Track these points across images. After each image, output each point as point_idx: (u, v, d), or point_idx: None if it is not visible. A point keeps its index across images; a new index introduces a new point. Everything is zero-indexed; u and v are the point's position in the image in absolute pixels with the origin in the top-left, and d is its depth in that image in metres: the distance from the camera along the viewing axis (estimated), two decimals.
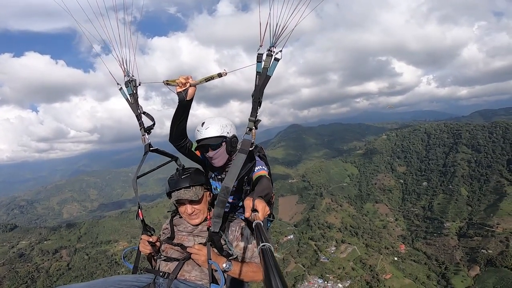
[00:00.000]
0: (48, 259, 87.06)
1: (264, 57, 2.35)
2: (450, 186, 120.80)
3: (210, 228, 2.65)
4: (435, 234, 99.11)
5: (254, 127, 2.51)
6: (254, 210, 2.21)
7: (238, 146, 2.93)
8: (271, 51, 2.34)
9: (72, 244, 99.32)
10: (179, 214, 3.11)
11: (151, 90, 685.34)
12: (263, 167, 3.25)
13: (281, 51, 2.34)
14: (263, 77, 2.38)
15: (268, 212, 2.33)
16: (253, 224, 1.92)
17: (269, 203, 2.89)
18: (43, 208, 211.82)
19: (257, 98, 2.43)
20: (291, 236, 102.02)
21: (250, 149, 2.51)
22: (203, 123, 3.22)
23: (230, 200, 3.45)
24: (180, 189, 2.88)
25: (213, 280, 2.66)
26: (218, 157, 3.20)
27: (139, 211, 3.03)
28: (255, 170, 3.19)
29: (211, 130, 3.15)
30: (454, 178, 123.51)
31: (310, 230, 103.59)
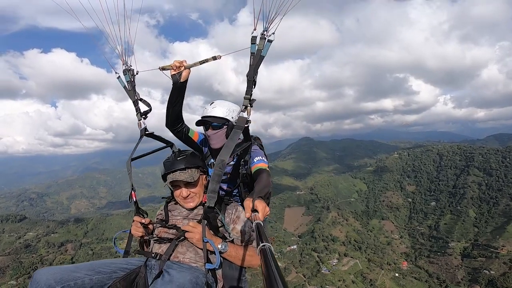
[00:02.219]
0: (53, 252, 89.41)
1: (258, 40, 2.45)
2: (459, 207, 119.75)
3: (205, 203, 2.54)
4: (438, 253, 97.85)
5: (249, 105, 2.54)
6: (254, 210, 2.19)
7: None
8: (264, 35, 2.44)
9: (78, 238, 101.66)
10: (174, 200, 3.04)
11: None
12: (263, 158, 3.18)
13: (273, 33, 2.43)
14: (257, 58, 2.46)
15: (268, 213, 2.31)
16: (253, 225, 1.91)
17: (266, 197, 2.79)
18: (53, 202, 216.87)
19: (251, 77, 2.48)
20: (295, 246, 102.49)
21: (246, 125, 2.54)
22: (213, 102, 3.26)
23: (225, 188, 3.36)
24: (176, 171, 2.80)
25: (208, 260, 2.55)
26: (217, 138, 3.16)
27: (132, 193, 2.94)
28: (255, 161, 3.13)
29: (218, 110, 3.15)
30: (463, 200, 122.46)
31: (314, 241, 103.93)
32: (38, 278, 2.13)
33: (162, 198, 3.20)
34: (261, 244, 1.42)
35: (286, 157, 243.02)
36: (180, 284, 2.22)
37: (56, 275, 2.16)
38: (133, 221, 2.88)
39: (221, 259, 2.57)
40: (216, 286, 2.56)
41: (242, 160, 3.14)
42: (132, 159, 3.08)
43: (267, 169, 3.07)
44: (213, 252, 2.56)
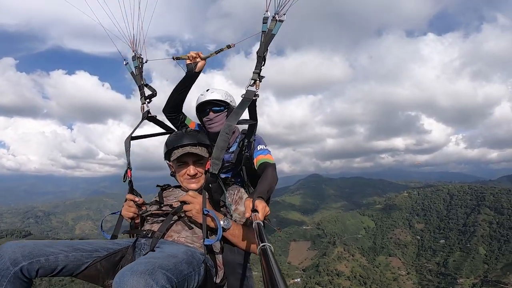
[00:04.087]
0: None
1: (269, 21, 2.48)
2: (468, 245, 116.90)
3: (209, 169, 2.32)
4: None
5: (258, 79, 2.49)
6: (254, 210, 2.12)
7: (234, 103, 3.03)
8: (275, 17, 2.47)
9: None
10: (170, 188, 2.83)
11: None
12: (267, 148, 3.06)
13: (284, 14, 2.46)
14: (268, 36, 2.48)
15: (268, 213, 2.23)
16: (253, 225, 1.85)
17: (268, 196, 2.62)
18: (58, 221, 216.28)
19: (261, 53, 2.48)
20: (298, 280, 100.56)
21: (254, 98, 2.47)
22: (208, 89, 3.19)
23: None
24: (186, 145, 2.58)
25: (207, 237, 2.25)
26: (218, 121, 3.07)
27: (128, 171, 2.72)
28: (259, 149, 3.02)
29: (216, 94, 3.09)
30: (473, 237, 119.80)
31: (319, 275, 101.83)
32: (3, 252, 1.81)
33: (157, 186, 2.90)
34: (261, 244, 1.38)
35: (294, 193, 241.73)
36: (173, 254, 1.93)
37: (25, 248, 1.83)
38: (125, 200, 2.61)
39: (223, 232, 2.29)
40: (216, 273, 2.28)
41: (246, 141, 3.00)
42: (132, 138, 2.92)
43: (273, 162, 2.94)
44: (213, 233, 2.34)
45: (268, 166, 2.83)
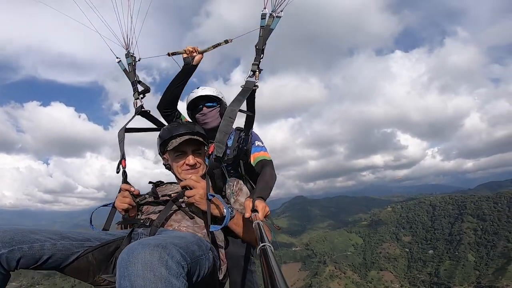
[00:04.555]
0: None
1: (267, 17, 2.56)
2: (457, 253, 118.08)
3: (213, 152, 2.17)
4: None
5: (257, 70, 2.54)
6: (254, 210, 2.11)
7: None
8: (273, 14, 2.55)
9: None
10: (162, 185, 2.65)
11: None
12: (263, 145, 3.06)
13: (282, 11, 2.54)
14: (266, 30, 2.55)
15: (269, 213, 2.21)
16: (253, 224, 1.83)
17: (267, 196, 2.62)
18: None
19: (260, 46, 2.55)
20: None
21: (254, 87, 2.51)
22: (198, 87, 3.20)
23: None
24: (185, 134, 2.42)
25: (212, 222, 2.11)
26: (212, 117, 3.07)
27: (122, 161, 2.51)
28: (256, 147, 3.01)
29: (208, 90, 3.10)
30: (460, 246, 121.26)
31: None
32: None
33: (149, 183, 2.69)
34: (261, 244, 1.37)
35: (280, 216, 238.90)
36: (180, 236, 1.79)
37: (6, 234, 1.58)
38: (119, 191, 2.36)
39: (231, 211, 2.19)
40: (219, 267, 2.12)
41: (243, 134, 2.97)
42: (126, 130, 2.77)
43: (270, 159, 2.93)
44: (216, 223, 2.16)
45: (266, 165, 2.84)
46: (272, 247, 1.36)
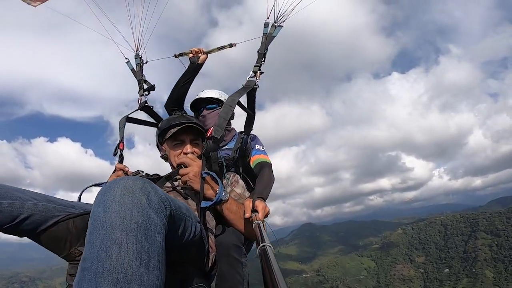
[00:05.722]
0: None
1: (270, 26, 2.80)
2: (474, 270, 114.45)
3: (210, 135, 2.25)
4: None
5: (258, 71, 2.70)
6: (254, 210, 2.11)
7: (234, 112, 2.97)
8: (275, 24, 2.79)
9: None
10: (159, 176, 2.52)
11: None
12: (263, 149, 3.04)
13: (284, 21, 2.77)
14: (268, 38, 2.77)
15: (269, 213, 2.22)
16: (253, 225, 1.84)
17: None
18: (45, 286, 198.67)
19: (262, 51, 2.73)
20: None
21: (254, 86, 2.64)
22: (203, 90, 3.27)
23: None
24: (184, 124, 2.42)
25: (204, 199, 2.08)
26: (211, 118, 3.05)
27: (120, 144, 2.59)
28: (256, 150, 3.00)
29: (210, 93, 3.16)
30: (476, 263, 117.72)
31: None
32: None
33: (145, 175, 2.62)
34: (261, 244, 1.35)
35: (289, 243, 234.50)
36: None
37: None
38: (114, 171, 2.43)
39: (224, 194, 2.15)
40: (207, 254, 1.99)
41: (243, 135, 3.05)
42: (128, 119, 2.88)
43: (269, 162, 2.93)
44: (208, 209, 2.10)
45: (265, 166, 2.85)
46: (272, 247, 1.34)
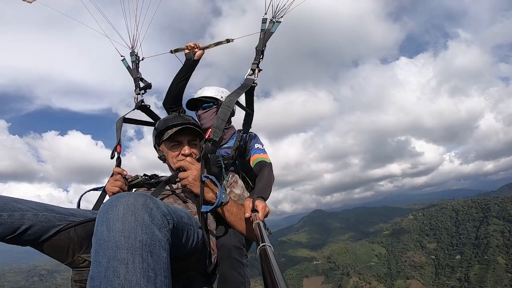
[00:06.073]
0: None
1: (268, 22, 2.74)
2: (486, 257, 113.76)
3: (209, 137, 2.27)
4: None
5: (257, 69, 2.68)
6: (254, 210, 2.12)
7: (234, 109, 3.07)
8: (273, 19, 2.74)
9: None
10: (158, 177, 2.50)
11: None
12: (263, 148, 3.03)
13: (282, 17, 2.72)
14: (266, 34, 2.72)
15: (269, 212, 2.20)
16: (253, 224, 1.84)
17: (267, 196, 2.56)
18: (63, 278, 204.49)
19: (260, 47, 2.69)
20: None
21: (253, 84, 2.63)
22: (203, 87, 3.28)
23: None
24: (181, 124, 2.39)
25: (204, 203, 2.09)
26: (206, 118, 3.08)
27: (118, 147, 2.52)
28: (256, 149, 2.99)
29: (206, 92, 3.14)
30: (488, 249, 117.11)
31: None
32: None
33: (144, 175, 2.56)
34: (261, 244, 1.35)
35: (299, 230, 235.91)
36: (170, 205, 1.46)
37: None
38: (112, 175, 2.38)
39: (224, 196, 2.17)
40: (209, 256, 1.98)
41: (242, 133, 3.04)
42: (125, 120, 2.83)
43: (269, 161, 2.91)
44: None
45: (265, 166, 2.83)
46: (272, 247, 1.34)
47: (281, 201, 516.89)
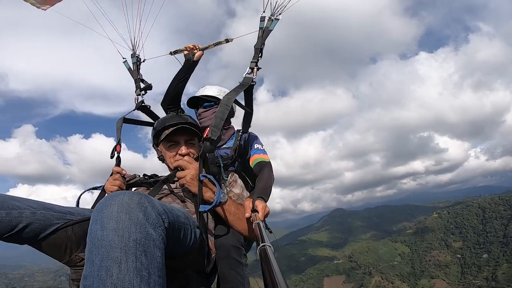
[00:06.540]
0: None
1: (266, 20, 2.70)
2: None
3: (207, 136, 2.21)
4: None
5: (255, 67, 2.64)
6: (254, 210, 2.12)
7: (235, 109, 3.11)
8: (271, 17, 2.71)
9: None
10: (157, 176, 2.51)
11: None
12: (263, 148, 3.02)
13: (280, 14, 2.70)
14: (265, 32, 2.69)
15: (269, 212, 2.21)
16: (253, 225, 1.84)
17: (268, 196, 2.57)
18: None
19: (259, 46, 2.65)
20: None
21: (252, 82, 2.60)
22: (203, 86, 3.28)
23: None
24: (178, 124, 2.38)
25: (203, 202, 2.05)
26: (206, 117, 3.09)
27: (118, 146, 2.55)
28: (255, 149, 2.98)
29: (208, 91, 3.14)
30: None
31: None
32: None
33: (144, 175, 2.57)
34: (261, 244, 1.35)
35: (320, 230, 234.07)
36: (166, 204, 1.43)
37: None
38: (111, 174, 2.38)
39: (222, 196, 2.14)
40: (207, 256, 1.99)
41: (241, 133, 3.01)
42: (125, 120, 2.84)
43: (268, 161, 2.92)
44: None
45: (265, 166, 2.84)
46: (272, 247, 1.34)
47: (301, 200, 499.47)
